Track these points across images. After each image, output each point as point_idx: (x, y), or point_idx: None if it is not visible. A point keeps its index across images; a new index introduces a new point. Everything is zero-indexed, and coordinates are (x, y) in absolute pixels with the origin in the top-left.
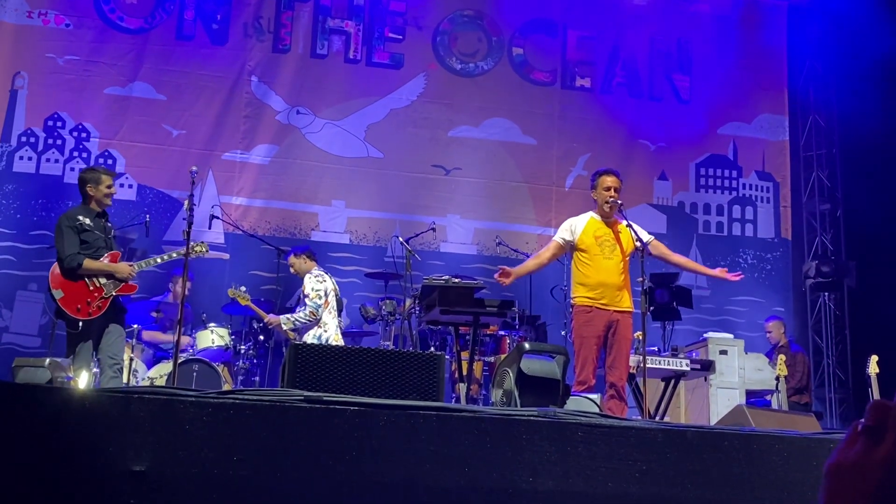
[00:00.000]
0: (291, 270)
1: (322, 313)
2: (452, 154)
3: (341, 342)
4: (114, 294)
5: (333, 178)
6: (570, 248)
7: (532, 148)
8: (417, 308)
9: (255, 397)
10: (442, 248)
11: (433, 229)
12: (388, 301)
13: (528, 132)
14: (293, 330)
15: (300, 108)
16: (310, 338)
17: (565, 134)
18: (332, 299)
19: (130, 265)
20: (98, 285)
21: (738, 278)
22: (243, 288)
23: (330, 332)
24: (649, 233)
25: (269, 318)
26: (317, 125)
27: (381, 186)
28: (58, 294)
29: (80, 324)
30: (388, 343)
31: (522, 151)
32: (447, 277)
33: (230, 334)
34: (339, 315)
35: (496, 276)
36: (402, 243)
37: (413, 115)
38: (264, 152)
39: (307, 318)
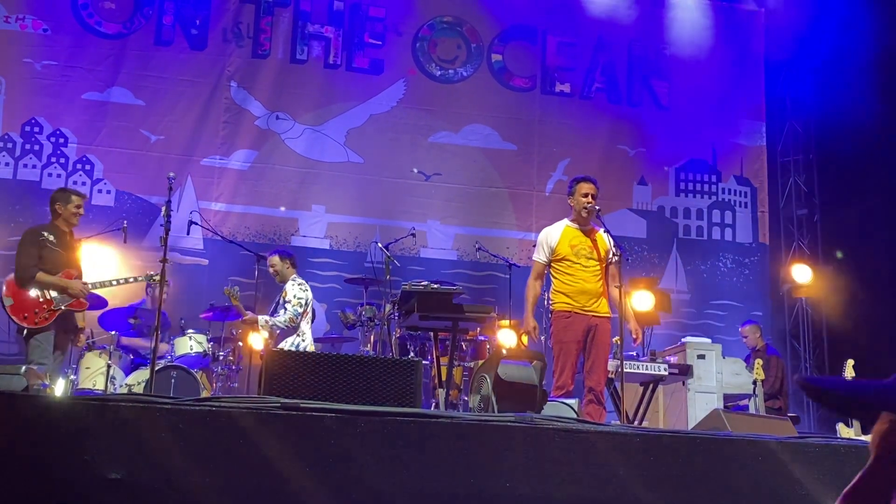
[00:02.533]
0: (271, 271)
1: (299, 321)
2: (432, 159)
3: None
4: (63, 308)
5: (313, 183)
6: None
7: (512, 153)
8: (397, 314)
9: (232, 404)
10: (422, 253)
11: (413, 234)
12: (367, 307)
13: (508, 138)
14: (271, 331)
15: (280, 114)
16: (287, 345)
17: (545, 139)
18: (310, 309)
19: (84, 283)
20: (48, 297)
21: (635, 344)
22: (237, 288)
23: (307, 341)
24: (617, 246)
25: (249, 315)
26: (296, 130)
27: (361, 192)
28: (7, 301)
29: (25, 331)
30: (367, 349)
31: (502, 157)
32: (426, 283)
33: (209, 340)
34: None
35: (528, 339)
36: (381, 249)
37: (393, 121)
38: (243, 158)
39: (286, 323)
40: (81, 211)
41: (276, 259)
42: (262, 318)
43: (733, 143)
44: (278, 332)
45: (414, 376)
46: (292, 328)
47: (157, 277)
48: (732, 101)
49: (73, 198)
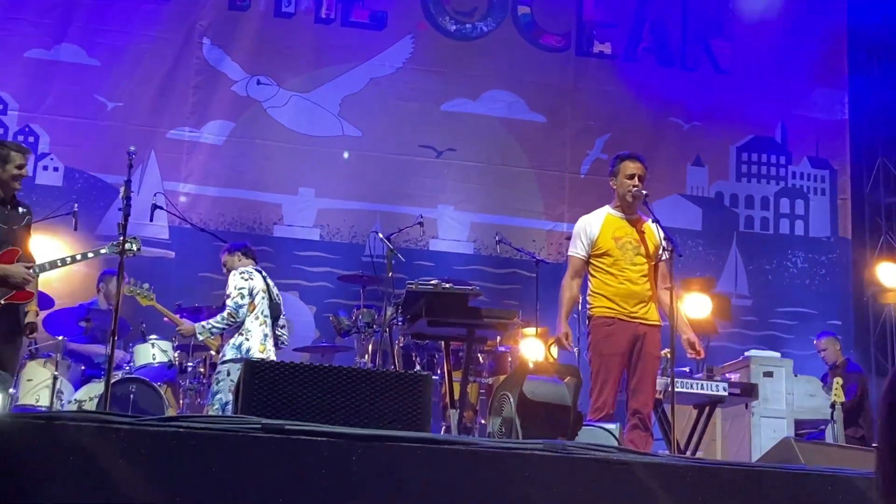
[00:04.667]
0: (224, 271)
1: (244, 316)
2: (445, 133)
3: (272, 356)
4: (2, 302)
5: (301, 161)
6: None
7: (541, 127)
8: (400, 318)
9: (203, 425)
10: (431, 245)
11: (421, 223)
12: (364, 310)
13: (537, 108)
14: (211, 336)
15: (261, 78)
16: (228, 348)
17: (581, 110)
18: (260, 301)
19: (28, 267)
20: None
21: (697, 357)
22: (146, 285)
23: (252, 341)
24: (669, 239)
25: (184, 324)
26: (281, 98)
27: (358, 172)
28: None
29: None
30: (364, 360)
31: (529, 130)
32: (436, 281)
33: (175, 348)
34: (276, 324)
35: (559, 350)
36: (382, 240)
37: (398, 86)
38: (218, 130)
39: (224, 321)
40: (25, 171)
41: (225, 257)
42: (198, 326)
43: (807, 116)
44: (220, 334)
45: (423, 394)
46: (233, 324)
47: (129, 245)
48: (807, 66)
49: (14, 155)
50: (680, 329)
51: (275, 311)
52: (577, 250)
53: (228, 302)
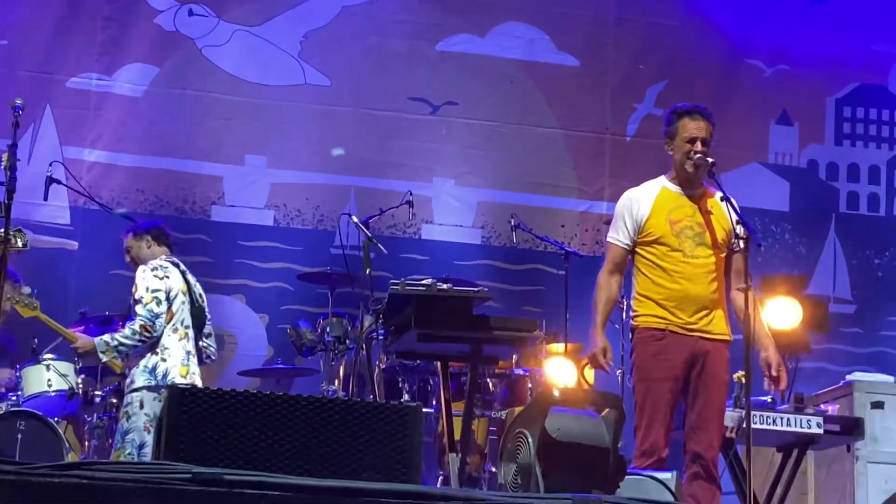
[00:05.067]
0: (127, 259)
1: (161, 328)
2: (443, 81)
3: (197, 379)
4: None
5: (249, 119)
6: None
7: (573, 72)
8: (381, 331)
9: (114, 474)
10: (424, 233)
11: (410, 203)
12: (334, 319)
13: (566, 47)
14: (118, 357)
15: (194, 7)
16: (139, 372)
17: (627, 50)
18: (179, 307)
19: None
20: None
21: (773, 389)
22: (27, 290)
23: (171, 361)
24: (744, 224)
25: (81, 339)
26: (221, 34)
27: (325, 133)
28: None
29: None
30: (333, 388)
31: (557, 77)
32: (430, 281)
33: (78, 372)
34: (200, 335)
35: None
36: (357, 225)
37: (379, 18)
38: (136, 77)
39: (136, 337)
40: None
41: (129, 241)
42: (99, 342)
43: None
44: (131, 353)
45: (410, 431)
46: (146, 340)
47: (14, 240)
48: None
49: None
50: (759, 343)
51: (198, 319)
52: (618, 236)
53: (139, 310)
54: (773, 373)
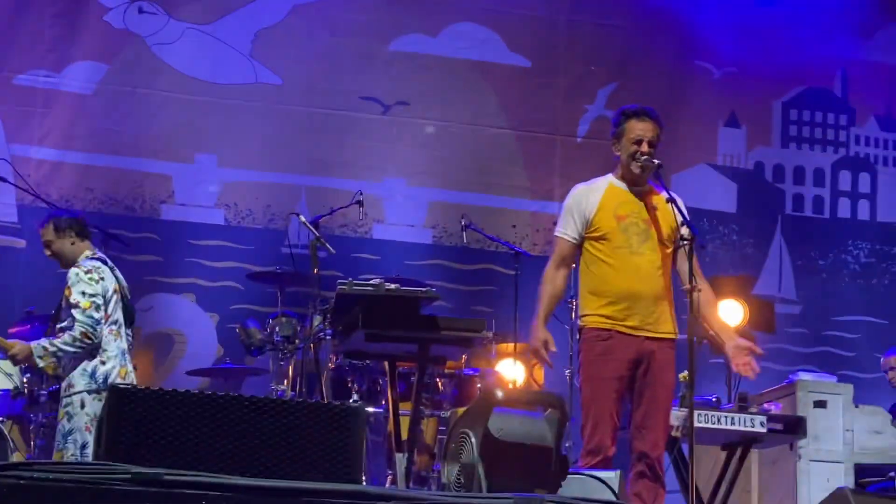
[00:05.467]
0: (47, 253)
1: (101, 334)
2: (395, 81)
3: (133, 378)
4: None
5: (199, 118)
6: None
7: (524, 73)
8: (330, 331)
9: (53, 474)
10: (376, 232)
11: (360, 202)
12: (283, 319)
13: (518, 48)
14: (56, 363)
15: (144, 4)
16: (78, 375)
17: (578, 50)
18: (114, 308)
19: None
20: None
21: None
22: None
23: (110, 364)
24: (688, 224)
25: (16, 346)
26: (172, 32)
27: (276, 132)
28: None
29: None
30: (282, 388)
31: (509, 78)
32: (378, 281)
33: (23, 371)
34: (130, 331)
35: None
36: (305, 225)
37: (330, 17)
38: (85, 75)
39: (76, 344)
40: None
41: (46, 231)
42: (38, 345)
43: (876, 62)
44: (67, 359)
45: (353, 432)
46: (88, 347)
47: None
48: None
49: None
50: (724, 335)
51: (129, 315)
52: (566, 230)
53: (79, 316)
54: (737, 362)
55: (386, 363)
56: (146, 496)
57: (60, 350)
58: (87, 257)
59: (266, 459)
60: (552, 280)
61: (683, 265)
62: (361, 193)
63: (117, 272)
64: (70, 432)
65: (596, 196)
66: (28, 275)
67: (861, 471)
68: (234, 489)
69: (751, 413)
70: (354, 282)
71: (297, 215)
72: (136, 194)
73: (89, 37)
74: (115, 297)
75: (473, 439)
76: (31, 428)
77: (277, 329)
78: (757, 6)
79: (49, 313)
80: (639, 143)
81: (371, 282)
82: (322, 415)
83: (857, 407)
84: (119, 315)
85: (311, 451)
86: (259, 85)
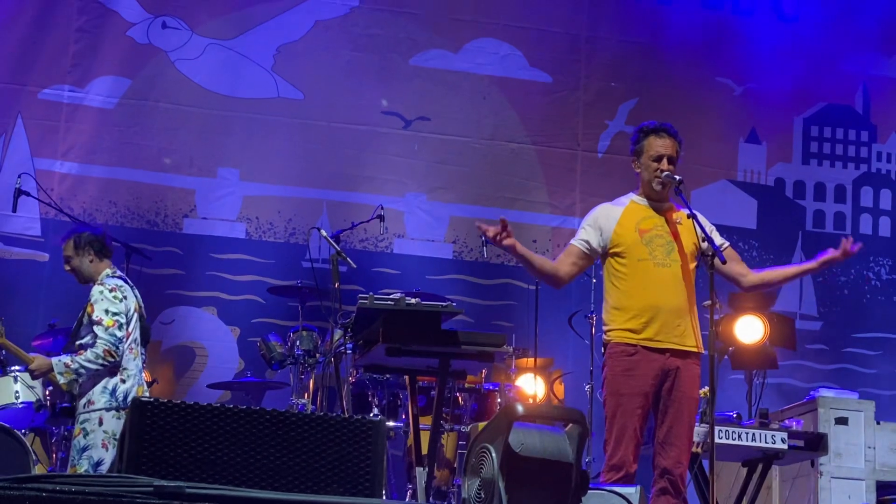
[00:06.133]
0: (66, 268)
1: (122, 352)
2: (416, 96)
3: (147, 395)
4: None
5: (221, 132)
6: (600, 255)
7: (545, 88)
8: (351, 345)
9: (76, 487)
10: (396, 247)
11: (381, 217)
12: (304, 333)
13: (539, 63)
14: (77, 380)
15: (168, 19)
16: (98, 392)
17: (599, 67)
18: (134, 327)
19: None
20: None
21: (853, 249)
22: None
23: (130, 383)
24: (709, 240)
25: (36, 360)
26: (194, 47)
27: (297, 146)
28: None
29: None
30: (303, 401)
31: (530, 93)
32: (399, 295)
33: (45, 384)
34: (144, 350)
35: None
36: (326, 239)
37: (352, 32)
38: (108, 89)
39: (98, 361)
40: None
41: (69, 248)
42: (59, 361)
43: None
44: (88, 375)
45: (373, 446)
46: (110, 365)
47: None
48: None
49: None
50: (802, 270)
51: (145, 334)
52: (583, 238)
53: (101, 334)
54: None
55: (406, 377)
56: None
57: (82, 367)
58: (109, 275)
59: (287, 473)
60: (559, 261)
61: (732, 267)
62: (382, 208)
63: (136, 291)
64: (85, 448)
65: (617, 212)
66: (51, 288)
67: (883, 488)
68: (255, 502)
69: (772, 429)
70: (375, 296)
71: (318, 229)
72: (159, 208)
73: (113, 52)
74: (135, 317)
75: (494, 454)
76: (52, 441)
77: (298, 343)
78: (778, 22)
79: (71, 326)
80: (658, 159)
81: (392, 296)
82: (342, 429)
83: (878, 424)
84: (137, 335)
85: (332, 465)
86: (281, 99)
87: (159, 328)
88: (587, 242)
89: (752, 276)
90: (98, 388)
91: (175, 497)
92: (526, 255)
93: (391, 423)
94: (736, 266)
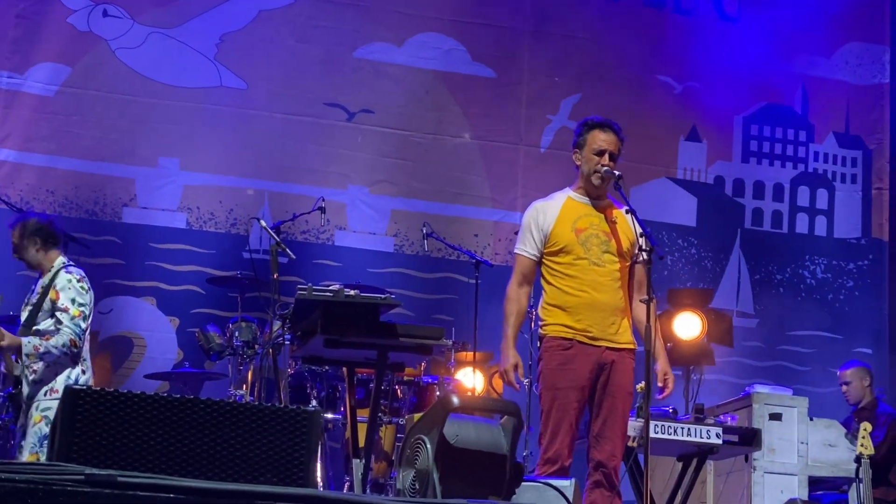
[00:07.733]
0: (15, 256)
1: (83, 343)
2: (359, 88)
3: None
4: None
5: (162, 121)
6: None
7: (488, 83)
8: (289, 336)
9: (7, 474)
10: (338, 239)
11: (322, 209)
12: (243, 324)
13: (482, 57)
14: (38, 362)
15: (109, 7)
16: (61, 384)
17: (541, 63)
18: (90, 318)
19: None
20: None
21: (660, 397)
22: None
23: (89, 374)
24: (647, 236)
25: (7, 337)
26: (136, 35)
27: (239, 137)
28: None
29: None
30: (241, 392)
31: (472, 88)
32: (337, 287)
33: None
34: None
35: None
36: (265, 230)
37: (297, 22)
38: (48, 77)
39: (63, 349)
40: None
41: (16, 236)
42: (28, 342)
43: (836, 80)
44: (50, 361)
45: (308, 436)
46: (72, 353)
47: None
48: (838, 13)
49: None
50: (654, 354)
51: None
52: (525, 247)
53: (67, 322)
54: (660, 383)
55: (345, 369)
56: (100, 497)
57: (48, 351)
58: (66, 264)
59: (220, 462)
60: (516, 299)
61: (641, 276)
62: (324, 200)
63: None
64: (47, 436)
65: (553, 211)
66: None
67: (814, 483)
68: (188, 492)
69: (707, 424)
70: (314, 287)
71: (259, 220)
72: (98, 197)
73: (53, 38)
74: (92, 308)
75: (429, 445)
76: None
77: (237, 334)
78: (719, 22)
79: (7, 314)
80: (601, 153)
81: (330, 288)
82: (276, 419)
83: (811, 420)
84: (90, 325)
85: (265, 454)
86: (223, 88)
87: (97, 318)
88: (533, 250)
89: (637, 307)
90: (62, 377)
91: (107, 486)
92: (514, 337)
93: (329, 415)
94: (635, 285)
